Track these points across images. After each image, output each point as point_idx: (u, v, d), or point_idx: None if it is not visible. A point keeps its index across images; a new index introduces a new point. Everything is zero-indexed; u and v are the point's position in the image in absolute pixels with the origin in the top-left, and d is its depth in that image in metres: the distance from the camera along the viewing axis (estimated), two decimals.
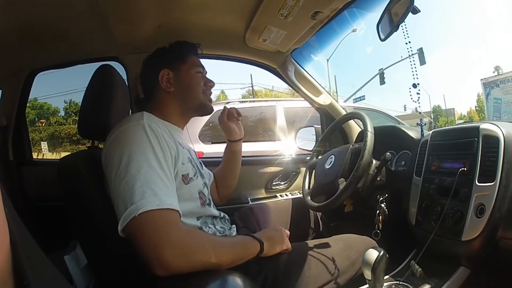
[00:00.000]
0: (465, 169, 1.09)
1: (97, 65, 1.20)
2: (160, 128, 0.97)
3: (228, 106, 1.42)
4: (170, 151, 0.95)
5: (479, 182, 1.04)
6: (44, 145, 20.13)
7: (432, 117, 25.87)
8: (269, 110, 4.69)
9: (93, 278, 1.10)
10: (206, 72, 1.26)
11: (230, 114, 1.44)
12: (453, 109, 30.86)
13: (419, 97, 1.49)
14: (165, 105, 1.16)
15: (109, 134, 0.96)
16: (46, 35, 1.49)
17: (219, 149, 3.54)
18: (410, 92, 1.46)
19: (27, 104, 1.98)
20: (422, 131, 1.44)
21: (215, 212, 1.17)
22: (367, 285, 0.99)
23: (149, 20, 1.42)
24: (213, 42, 1.23)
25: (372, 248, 0.93)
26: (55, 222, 1.35)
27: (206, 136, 4.39)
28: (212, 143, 4.25)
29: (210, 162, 1.52)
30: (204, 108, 1.23)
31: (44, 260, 0.35)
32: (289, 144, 3.80)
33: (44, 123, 23.89)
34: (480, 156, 1.07)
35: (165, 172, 0.89)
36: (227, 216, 1.26)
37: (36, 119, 23.49)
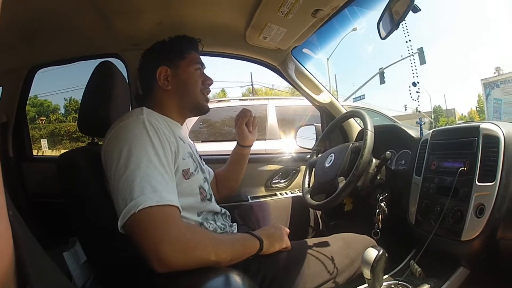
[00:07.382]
0: (465, 168, 1.08)
1: (97, 62, 1.20)
2: (160, 123, 0.97)
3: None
4: (170, 146, 0.94)
5: (479, 182, 1.03)
6: (44, 142, 20.11)
7: (433, 117, 25.87)
8: (260, 109, 4.50)
9: (92, 275, 1.10)
10: (204, 68, 1.24)
11: (249, 122, 1.44)
12: (454, 109, 30.86)
13: (418, 96, 1.47)
14: (163, 102, 1.14)
15: (109, 130, 0.96)
16: (46, 31, 1.48)
17: (209, 148, 3.51)
18: (410, 90, 1.45)
19: (27, 102, 1.98)
20: (421, 130, 1.44)
21: (216, 207, 1.16)
22: (366, 285, 0.98)
23: (149, 16, 1.42)
24: (214, 39, 1.22)
25: (371, 247, 0.92)
26: (55, 218, 1.35)
27: (197, 134, 4.32)
28: (202, 141, 4.19)
29: (208, 160, 1.51)
30: (201, 108, 1.22)
31: (45, 260, 0.35)
32: (281, 143, 3.74)
33: (44, 121, 23.90)
34: (480, 155, 1.06)
35: (164, 168, 0.89)
36: (228, 213, 1.26)
37: (36, 116, 23.51)
